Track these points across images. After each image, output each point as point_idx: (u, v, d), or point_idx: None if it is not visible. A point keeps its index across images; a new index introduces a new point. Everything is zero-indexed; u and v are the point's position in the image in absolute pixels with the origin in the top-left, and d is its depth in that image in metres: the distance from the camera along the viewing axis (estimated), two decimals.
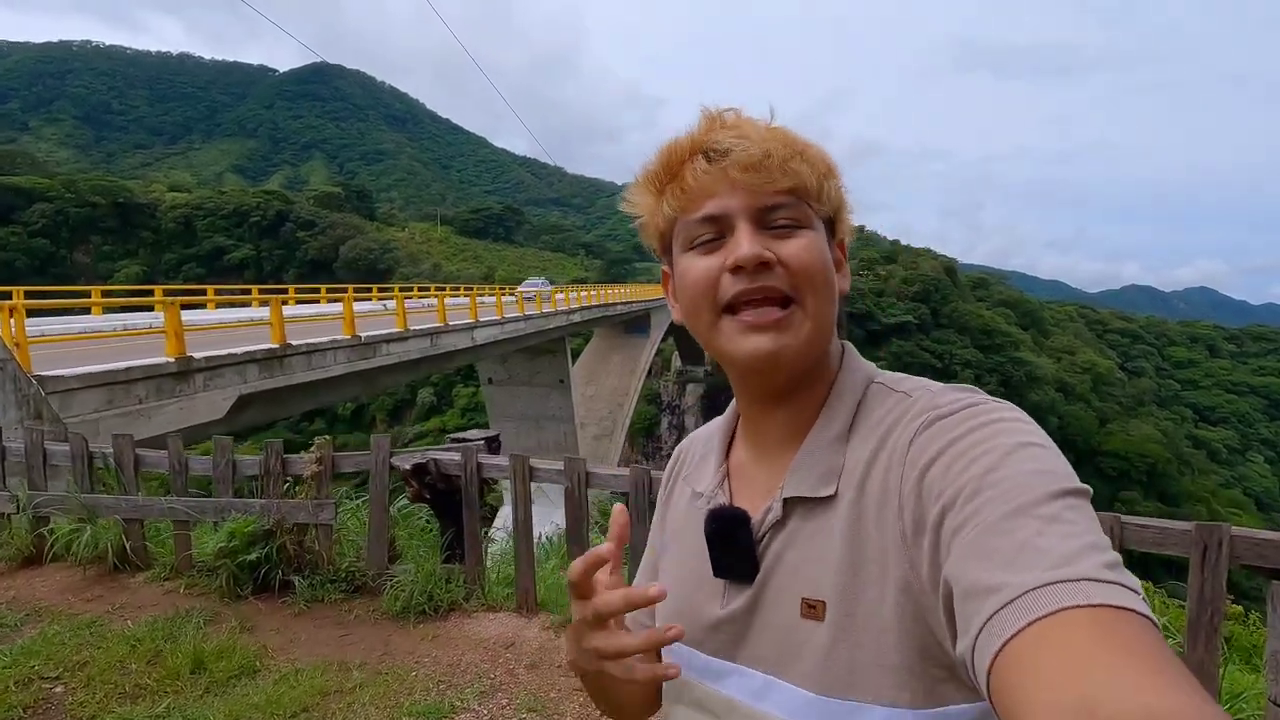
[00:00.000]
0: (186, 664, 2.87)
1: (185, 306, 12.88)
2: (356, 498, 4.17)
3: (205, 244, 79.85)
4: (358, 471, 3.90)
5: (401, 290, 17.97)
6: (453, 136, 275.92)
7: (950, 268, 69.29)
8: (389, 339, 12.98)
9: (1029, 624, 0.37)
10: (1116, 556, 0.40)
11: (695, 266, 0.59)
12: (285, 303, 14.44)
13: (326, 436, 3.90)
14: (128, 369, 7.61)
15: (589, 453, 33.29)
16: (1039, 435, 0.49)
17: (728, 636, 0.60)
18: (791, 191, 0.57)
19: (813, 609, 0.54)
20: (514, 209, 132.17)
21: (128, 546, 3.81)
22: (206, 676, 2.83)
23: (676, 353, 56.39)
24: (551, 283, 35.64)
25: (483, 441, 3.87)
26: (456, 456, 3.60)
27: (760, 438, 0.64)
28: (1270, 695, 2.17)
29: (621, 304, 35.33)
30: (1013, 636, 0.37)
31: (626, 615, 0.69)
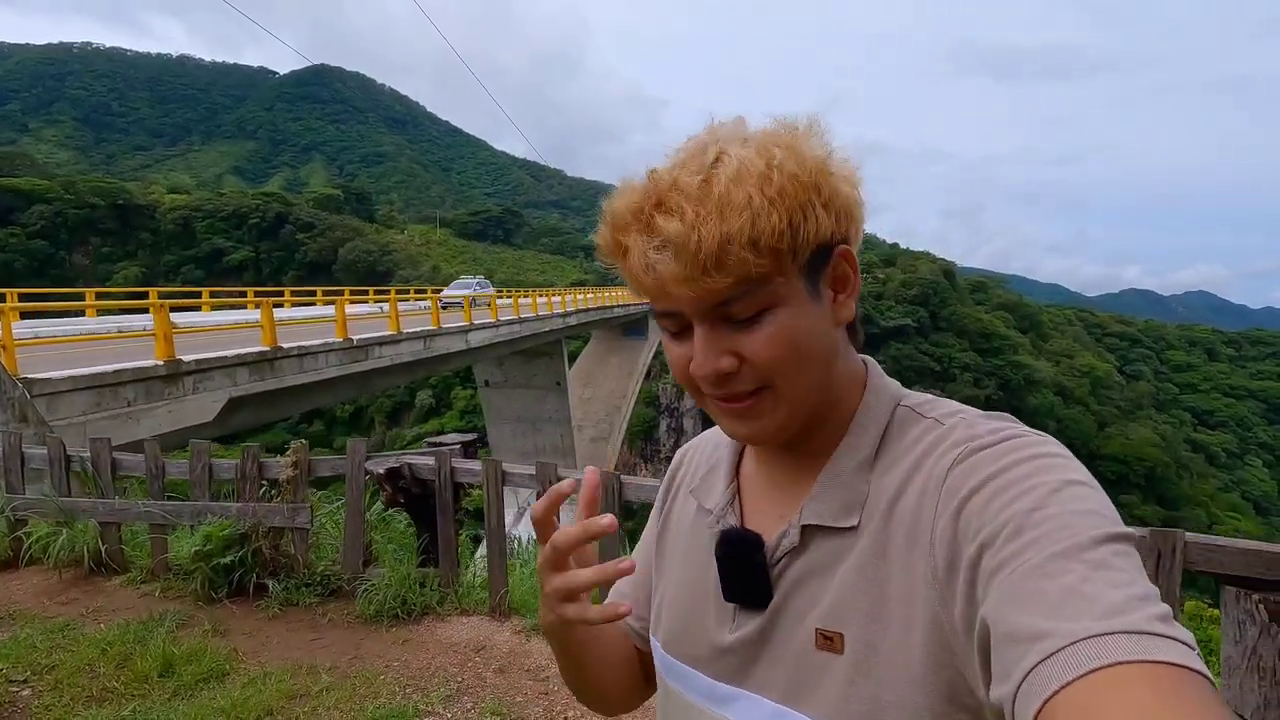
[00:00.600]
0: (155, 667, 2.89)
1: (180, 309, 12.93)
2: (336, 501, 4.18)
3: (204, 246, 79.92)
4: (336, 476, 3.92)
5: (398, 293, 17.97)
6: (452, 139, 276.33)
7: (949, 271, 69.39)
8: (382, 341, 13.00)
9: (1079, 677, 0.35)
10: (1168, 609, 0.38)
11: (671, 353, 0.57)
12: (281, 305, 14.50)
13: (303, 440, 3.92)
14: (116, 371, 7.62)
15: (586, 455, 33.30)
16: (1084, 473, 0.47)
17: (737, 661, 0.58)
18: (739, 284, 0.50)
19: (829, 641, 0.52)
20: (513, 211, 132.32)
21: (104, 550, 3.82)
22: (175, 680, 2.84)
23: None
24: (490, 284, 30.39)
25: (459, 446, 3.88)
26: (430, 461, 3.62)
27: (773, 461, 0.62)
28: (1225, 699, 2.19)
29: (619, 306, 35.36)
30: (1058, 691, 0.35)
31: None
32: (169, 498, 3.93)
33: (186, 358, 8.58)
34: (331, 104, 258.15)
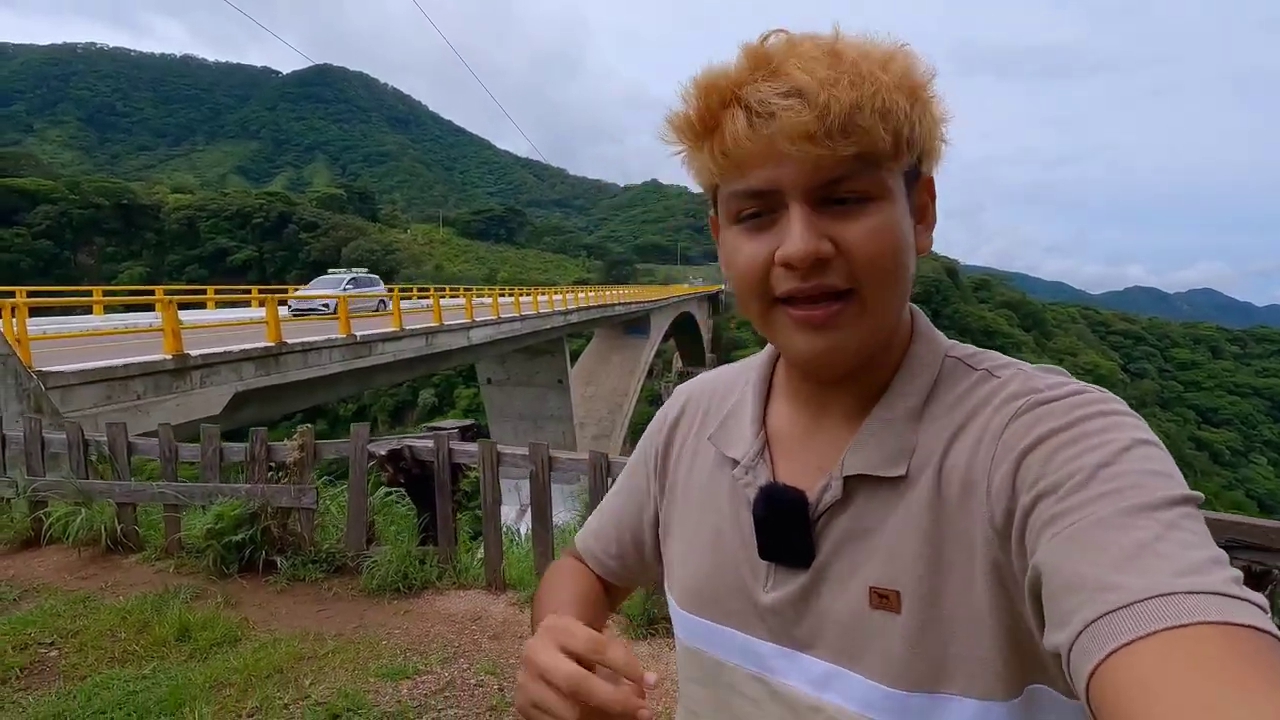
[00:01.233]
0: (172, 633, 3.08)
1: (186, 306, 13.14)
2: (339, 484, 4.37)
3: (208, 245, 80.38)
4: (339, 459, 4.11)
5: (401, 291, 18.20)
6: (455, 138, 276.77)
7: (952, 269, 69.54)
8: (384, 338, 13.20)
9: (1152, 633, 0.34)
10: (1239, 573, 0.37)
11: (742, 250, 0.52)
12: (284, 302, 14.70)
13: (309, 425, 4.11)
14: (126, 365, 7.83)
15: None
16: (1151, 434, 0.45)
17: (778, 621, 0.55)
18: (859, 158, 0.47)
19: (885, 599, 0.50)
20: (516, 210, 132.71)
21: (120, 529, 4.02)
22: (191, 644, 3.03)
23: (677, 354, 56.65)
24: (378, 280, 21.24)
25: (456, 430, 4.07)
26: (430, 443, 3.81)
27: (812, 407, 0.58)
28: None
29: (621, 305, 35.56)
30: (1129, 643, 0.34)
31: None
32: (180, 480, 4.12)
33: (193, 352, 8.80)
34: (335, 104, 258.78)
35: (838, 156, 0.46)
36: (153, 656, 2.93)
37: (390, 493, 4.33)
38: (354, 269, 25.11)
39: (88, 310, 16.67)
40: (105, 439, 4.10)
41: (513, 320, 20.40)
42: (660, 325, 42.56)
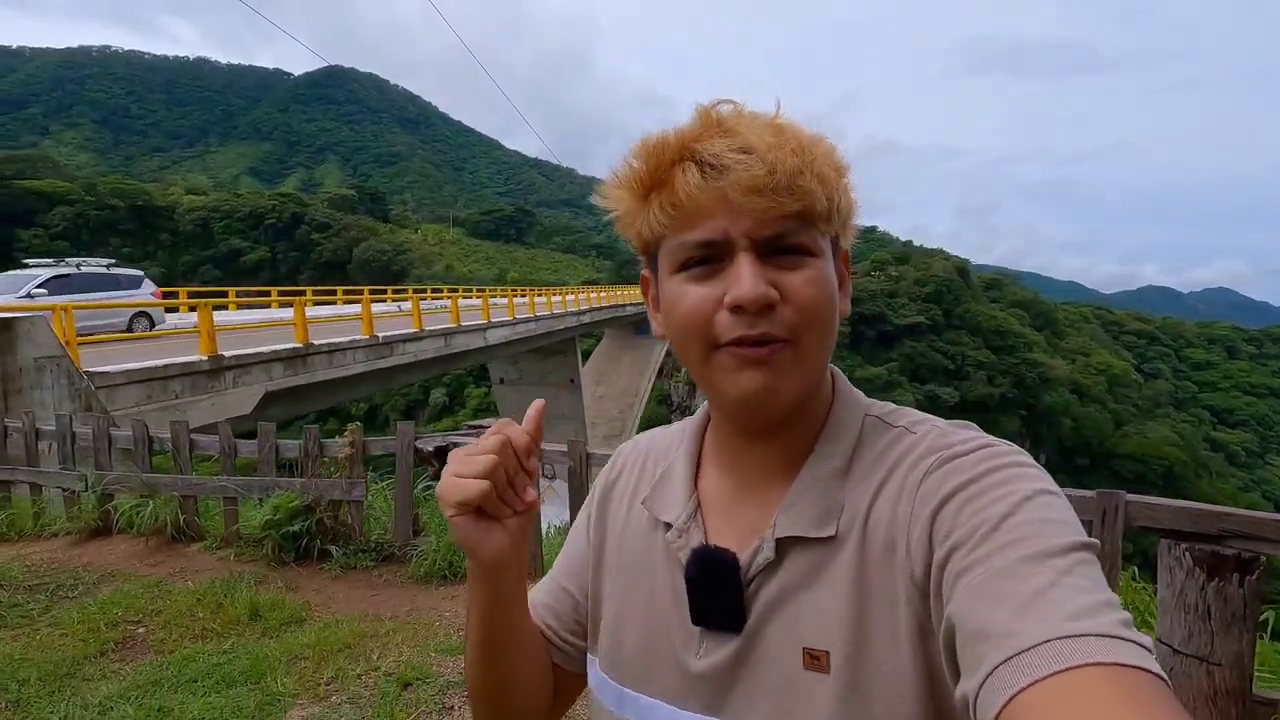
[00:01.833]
0: (244, 613, 3.36)
1: (215, 308, 13.51)
2: (381, 481, 4.65)
3: (222, 246, 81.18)
4: (386, 454, 4.38)
5: (415, 292, 18.54)
6: (465, 138, 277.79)
7: (963, 268, 69.25)
8: (405, 339, 13.53)
9: (1044, 677, 0.36)
10: (1128, 615, 0.39)
11: (686, 296, 0.53)
12: (305, 304, 15.10)
13: (357, 424, 4.39)
14: (165, 366, 8.18)
15: None
16: (1052, 484, 0.48)
17: (709, 689, 0.55)
18: (800, 216, 0.51)
19: (816, 660, 0.51)
20: (526, 210, 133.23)
21: (183, 520, 4.31)
22: (262, 623, 3.31)
23: None
24: (132, 282, 12.57)
25: None
26: (472, 440, 4.07)
27: (741, 469, 0.60)
28: (1158, 634, 2.59)
29: (633, 305, 35.83)
30: (1025, 688, 0.36)
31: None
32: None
33: (227, 353, 9.13)
34: (345, 104, 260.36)
35: (783, 211, 0.51)
36: (229, 634, 3.21)
37: (429, 486, 4.60)
38: (82, 259, 12.48)
39: None
40: (168, 435, 4.39)
41: (528, 321, 20.71)
42: None
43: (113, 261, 13.09)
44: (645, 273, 0.61)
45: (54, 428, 4.55)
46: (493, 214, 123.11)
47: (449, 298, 17.82)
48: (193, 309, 11.52)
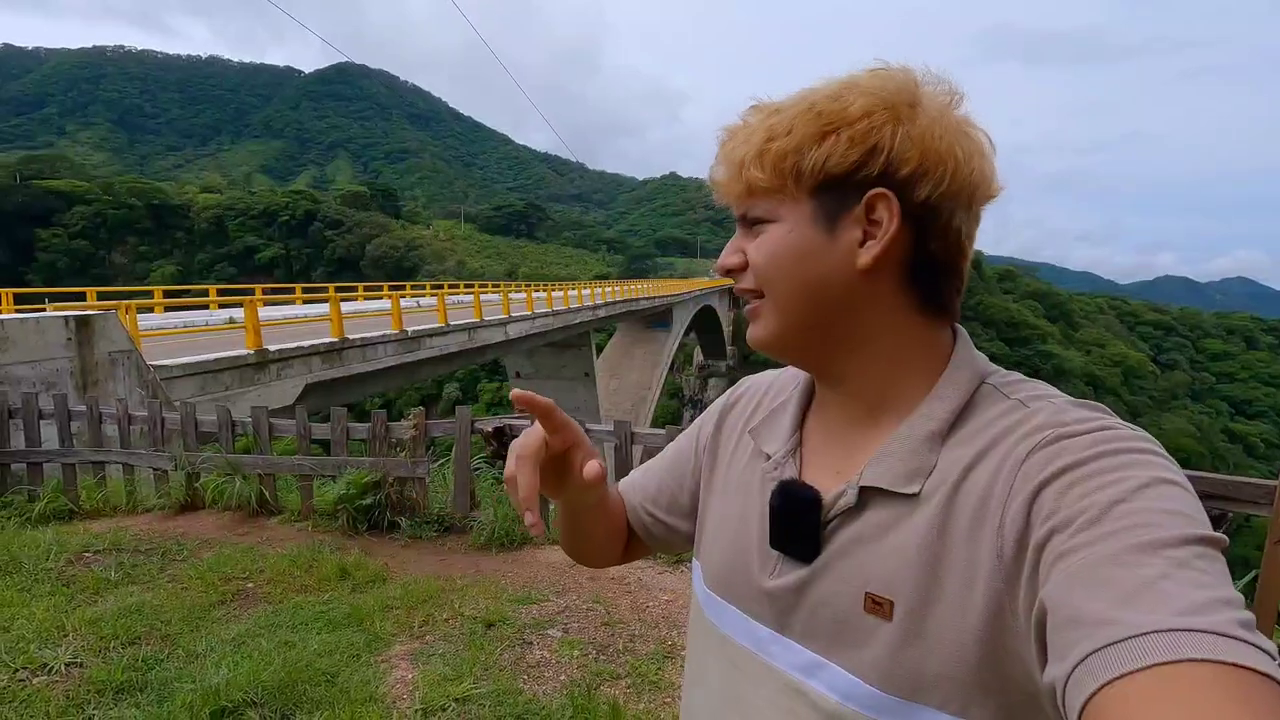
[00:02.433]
0: (334, 573, 3.82)
1: (228, 306, 14.05)
2: (439, 460, 5.10)
3: (236, 244, 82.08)
4: (444, 436, 4.83)
5: (434, 288, 19.04)
6: (475, 134, 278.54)
7: (976, 260, 68.59)
8: (432, 333, 14.01)
9: (1143, 668, 0.34)
10: (1251, 616, 0.36)
11: None
12: (326, 300, 15.67)
13: (420, 408, 4.84)
14: (216, 360, 8.69)
15: None
16: (1177, 473, 0.45)
17: (776, 607, 0.59)
18: (749, 193, 0.58)
19: (879, 605, 0.52)
20: (536, 206, 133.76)
21: (266, 495, 4.79)
22: (351, 580, 3.77)
23: (699, 347, 57.23)
24: None
25: None
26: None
27: (825, 413, 0.64)
28: None
29: (645, 299, 36.25)
30: (1120, 677, 0.34)
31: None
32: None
33: (271, 347, 9.64)
34: (356, 101, 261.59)
35: (735, 192, 0.60)
36: (324, 589, 3.68)
37: (479, 467, 5.05)
38: None
39: (149, 310, 17.69)
40: (250, 420, 4.88)
41: (546, 315, 21.17)
42: (682, 319, 43.18)
43: None
44: None
45: (145, 413, 5.04)
46: (503, 209, 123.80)
47: (467, 293, 18.30)
48: (222, 306, 12.03)
